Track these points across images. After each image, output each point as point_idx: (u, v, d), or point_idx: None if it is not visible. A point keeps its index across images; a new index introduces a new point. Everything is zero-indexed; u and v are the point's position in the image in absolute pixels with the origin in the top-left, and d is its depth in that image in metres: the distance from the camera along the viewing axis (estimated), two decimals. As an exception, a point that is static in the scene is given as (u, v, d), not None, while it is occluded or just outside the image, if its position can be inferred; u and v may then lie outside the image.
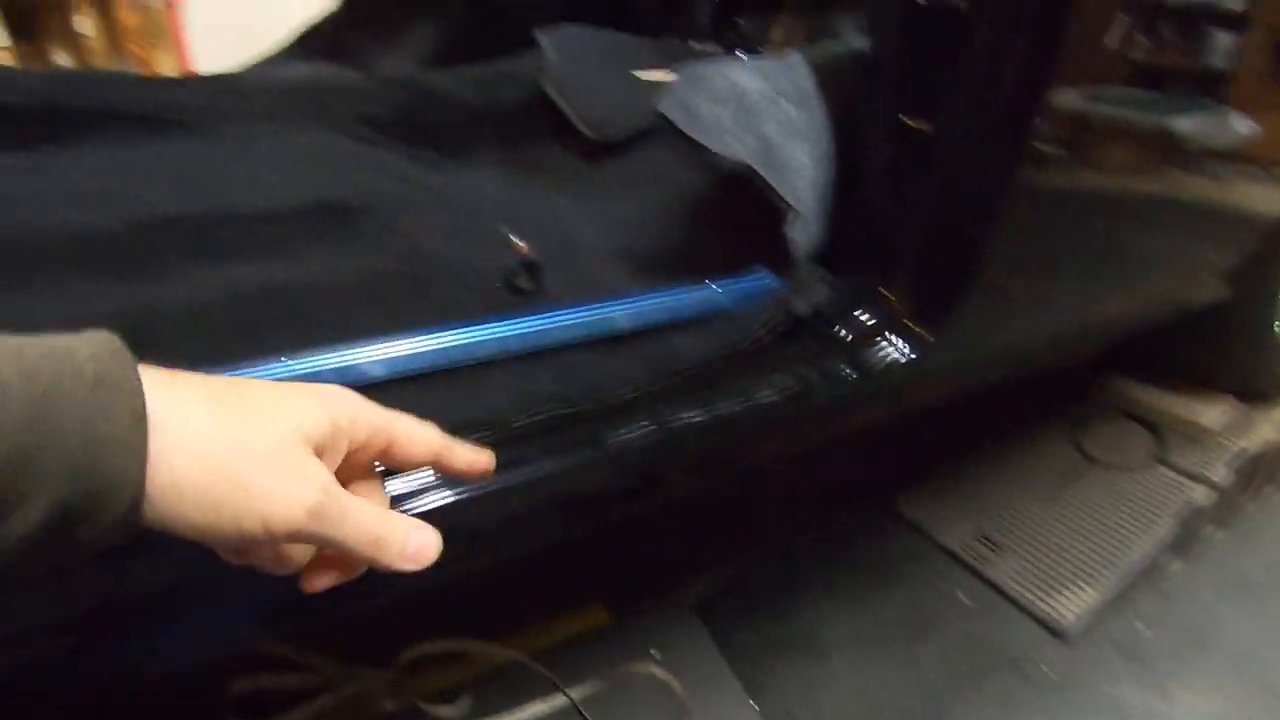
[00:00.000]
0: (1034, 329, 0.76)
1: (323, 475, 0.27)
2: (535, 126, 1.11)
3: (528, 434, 0.47)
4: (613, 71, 1.20)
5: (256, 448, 0.26)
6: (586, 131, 1.07)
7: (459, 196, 0.83)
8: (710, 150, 0.57)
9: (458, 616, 0.86)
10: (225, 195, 0.67)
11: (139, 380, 0.24)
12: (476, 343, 0.50)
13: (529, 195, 0.92)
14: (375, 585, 0.36)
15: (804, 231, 0.59)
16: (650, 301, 0.57)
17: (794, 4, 1.55)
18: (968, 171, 0.51)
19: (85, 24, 3.26)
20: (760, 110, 0.59)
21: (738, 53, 1.62)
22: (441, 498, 0.44)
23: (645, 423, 0.50)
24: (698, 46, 1.67)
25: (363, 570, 0.31)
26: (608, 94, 1.13)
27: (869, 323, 0.60)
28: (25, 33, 3.23)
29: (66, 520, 0.22)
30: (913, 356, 0.62)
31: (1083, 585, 0.97)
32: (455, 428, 0.44)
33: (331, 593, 0.31)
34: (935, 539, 1.09)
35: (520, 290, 0.61)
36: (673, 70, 1.18)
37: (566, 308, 0.57)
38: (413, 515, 0.42)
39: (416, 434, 0.33)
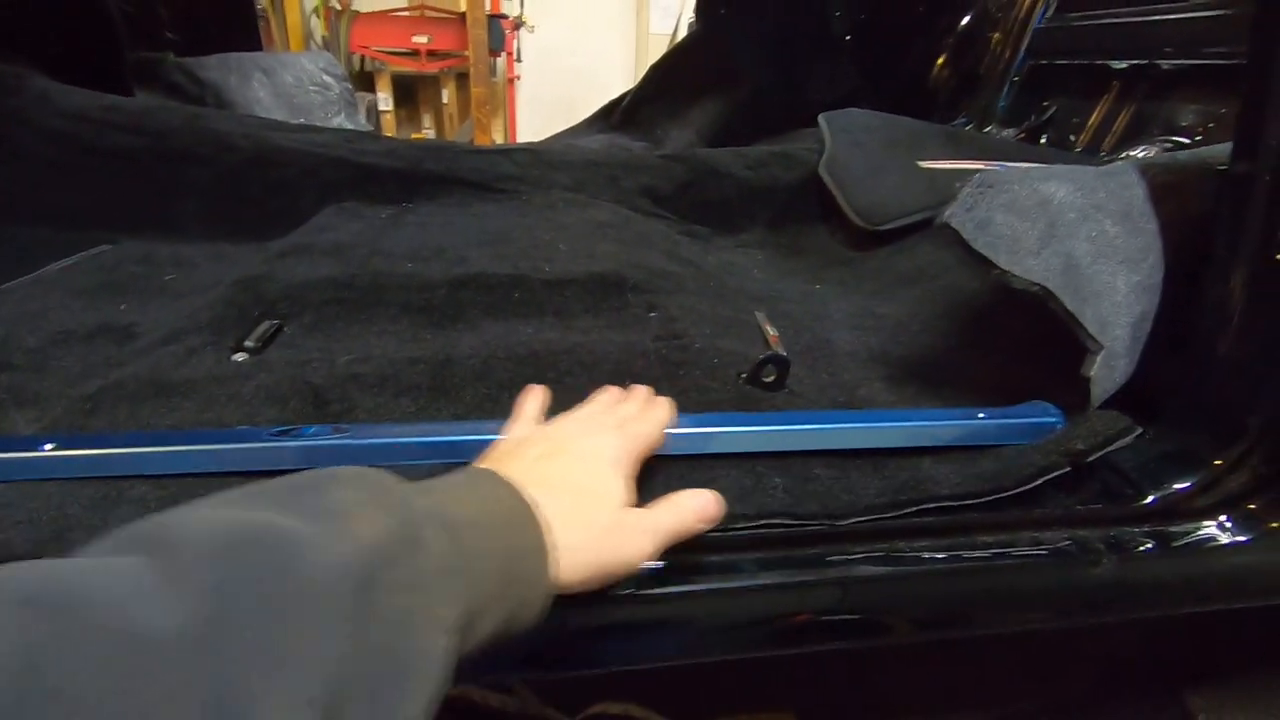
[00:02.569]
0: None
1: (645, 521, 0.38)
2: (806, 209, 1.12)
3: (750, 543, 0.45)
4: (893, 159, 1.16)
5: (609, 535, 0.37)
6: (855, 218, 1.04)
7: (726, 277, 0.86)
8: (998, 267, 0.51)
9: (651, 690, 0.86)
10: (527, 260, 0.77)
11: (540, 530, 0.34)
12: (712, 435, 0.50)
13: (790, 280, 0.91)
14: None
15: (1107, 369, 0.50)
16: (903, 422, 0.52)
17: (1124, 88, 1.37)
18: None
19: (446, 94, 4.06)
20: (1070, 225, 0.52)
21: (1043, 142, 1.48)
22: (657, 591, 0.44)
23: (878, 556, 0.46)
24: (996, 133, 1.55)
25: None
26: (882, 182, 1.09)
27: (1186, 490, 0.48)
28: (405, 101, 4.12)
29: (510, 619, 0.31)
30: (1242, 540, 0.49)
31: None
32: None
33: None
34: (1247, 765, 0.84)
35: (763, 384, 0.60)
36: (959, 164, 1.10)
37: (809, 413, 0.55)
38: (631, 604, 0.44)
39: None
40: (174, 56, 1.51)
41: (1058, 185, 0.54)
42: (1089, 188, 0.54)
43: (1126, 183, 0.54)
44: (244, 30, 1.77)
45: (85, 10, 1.15)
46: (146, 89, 1.39)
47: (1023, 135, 1.55)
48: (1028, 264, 0.51)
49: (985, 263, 0.53)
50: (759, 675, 0.93)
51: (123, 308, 0.72)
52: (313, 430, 0.49)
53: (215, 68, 1.51)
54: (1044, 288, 0.50)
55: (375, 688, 0.22)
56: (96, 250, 0.88)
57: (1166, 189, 0.54)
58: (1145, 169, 0.55)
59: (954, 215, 0.54)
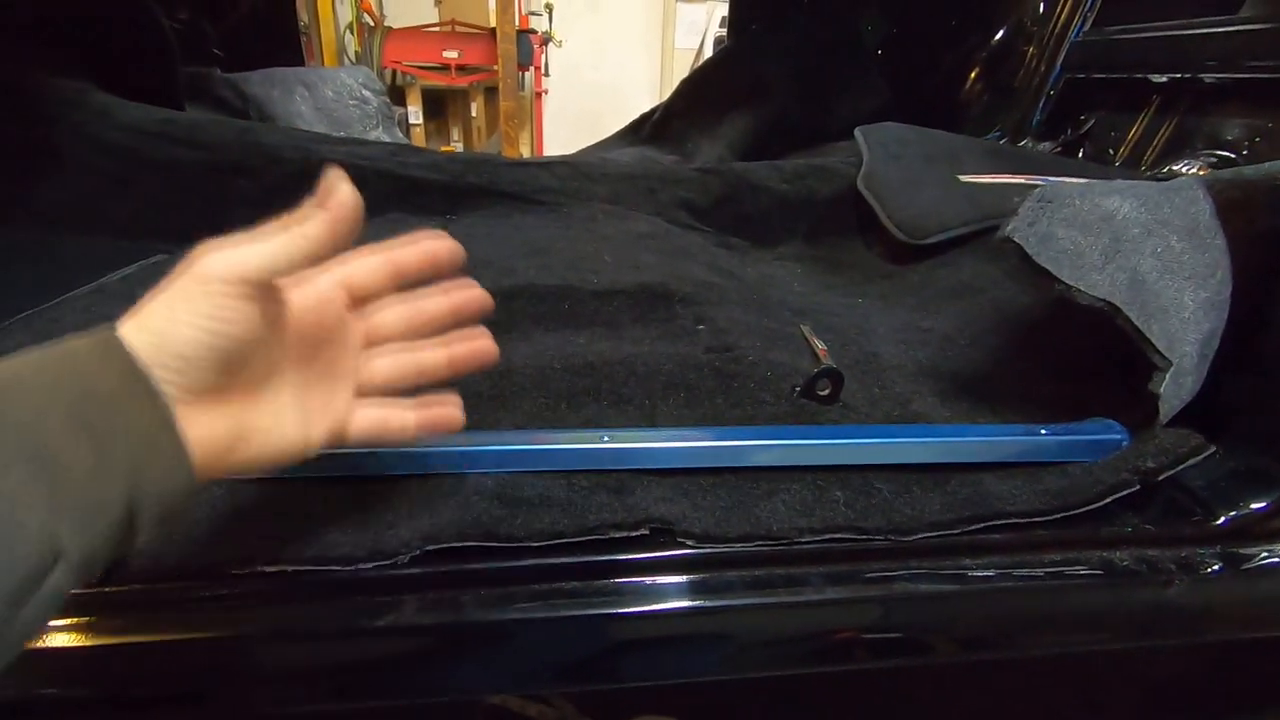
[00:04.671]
0: None
1: None
2: (844, 223, 1.11)
3: (813, 557, 0.45)
4: (932, 172, 1.15)
5: None
6: (895, 232, 1.03)
7: (767, 289, 0.86)
8: (1062, 282, 0.51)
9: (695, 704, 0.85)
10: (574, 272, 0.77)
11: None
12: (772, 447, 0.50)
13: (831, 294, 0.91)
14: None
15: (1175, 386, 0.49)
16: (965, 437, 0.52)
17: (1165, 102, 1.35)
18: None
19: (475, 108, 4.12)
20: (1134, 241, 0.51)
21: (1080, 156, 1.46)
22: (706, 602, 0.44)
23: (944, 573, 0.45)
24: (1032, 147, 1.54)
25: None
26: (922, 195, 1.09)
27: (1261, 511, 0.47)
28: (434, 114, 4.18)
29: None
30: (1320, 565, 0.48)
31: None
32: (741, 535, 0.45)
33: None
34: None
35: (817, 397, 0.60)
36: (1000, 178, 1.10)
37: (869, 427, 0.55)
38: (685, 616, 0.44)
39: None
40: (220, 71, 1.55)
41: (1120, 200, 0.54)
42: (1153, 203, 0.53)
43: (1192, 198, 0.54)
44: (287, 45, 1.82)
45: (142, 28, 1.19)
46: (195, 103, 1.43)
47: (1059, 149, 1.53)
48: (1092, 279, 0.51)
49: (1047, 277, 0.52)
50: (800, 690, 0.92)
51: (182, 316, 0.74)
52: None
53: (259, 82, 1.55)
54: (1111, 303, 0.50)
55: None
56: (153, 260, 0.91)
57: (1233, 204, 0.53)
58: (1211, 184, 0.54)
59: (1015, 229, 0.53)
